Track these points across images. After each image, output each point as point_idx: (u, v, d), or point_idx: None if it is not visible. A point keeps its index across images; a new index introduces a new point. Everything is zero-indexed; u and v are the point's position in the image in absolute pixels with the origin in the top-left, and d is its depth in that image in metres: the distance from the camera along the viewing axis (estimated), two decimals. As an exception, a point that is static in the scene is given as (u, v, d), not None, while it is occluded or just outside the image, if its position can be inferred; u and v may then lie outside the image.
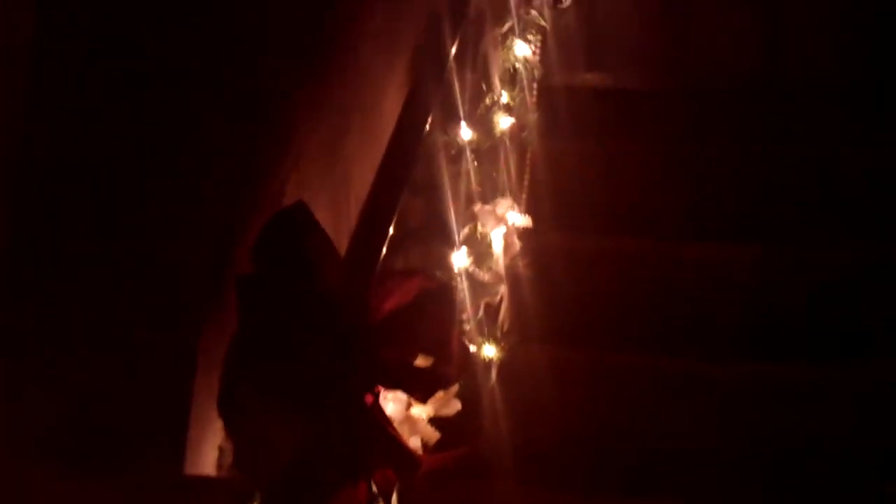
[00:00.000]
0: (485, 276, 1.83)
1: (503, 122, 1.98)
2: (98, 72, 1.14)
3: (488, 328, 1.88)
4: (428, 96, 1.81)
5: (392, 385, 1.30)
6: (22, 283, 1.11)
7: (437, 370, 1.24)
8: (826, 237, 2.48)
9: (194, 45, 1.24)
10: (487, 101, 1.98)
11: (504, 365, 1.92)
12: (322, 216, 1.60)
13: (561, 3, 2.42)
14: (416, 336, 1.25)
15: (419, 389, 1.33)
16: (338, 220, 1.68)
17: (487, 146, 1.93)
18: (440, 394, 1.51)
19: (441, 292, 1.38)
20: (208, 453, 1.36)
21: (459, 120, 1.88)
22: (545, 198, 2.30)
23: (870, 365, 2.20)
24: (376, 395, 1.21)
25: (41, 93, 1.03)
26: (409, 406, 1.52)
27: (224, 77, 1.27)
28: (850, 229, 2.50)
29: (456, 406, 1.55)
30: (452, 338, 1.25)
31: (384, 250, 1.60)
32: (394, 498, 1.23)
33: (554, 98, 2.53)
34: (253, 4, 1.34)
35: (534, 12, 2.14)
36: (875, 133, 2.72)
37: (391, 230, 1.64)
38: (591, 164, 2.59)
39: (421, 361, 1.24)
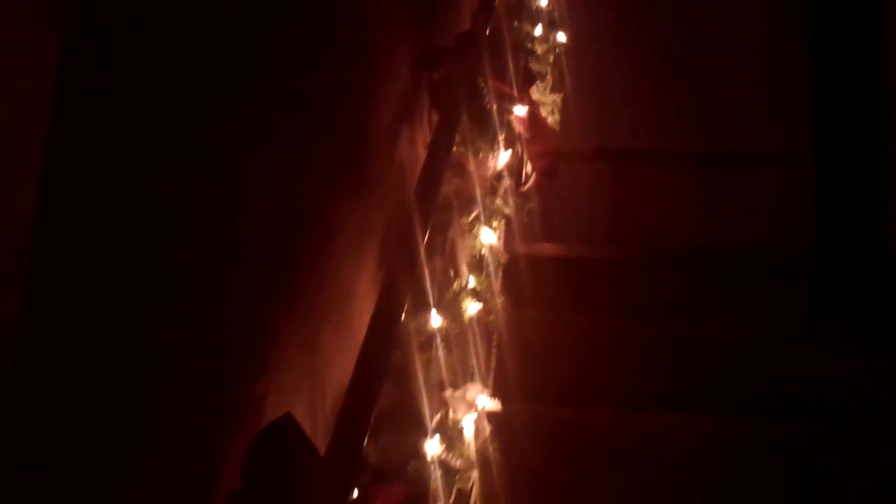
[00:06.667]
0: (457, 463, 1.86)
1: (471, 307, 2.05)
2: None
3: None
4: (401, 286, 1.88)
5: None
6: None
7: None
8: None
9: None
10: (455, 286, 2.06)
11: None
12: (300, 415, 1.64)
13: (523, 186, 2.56)
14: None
15: None
16: (314, 417, 1.71)
17: (456, 332, 1.99)
18: None
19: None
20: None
21: (429, 307, 1.95)
22: (511, 371, 2.36)
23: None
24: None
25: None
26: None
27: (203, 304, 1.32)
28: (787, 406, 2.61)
29: None
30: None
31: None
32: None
33: (517, 266, 2.63)
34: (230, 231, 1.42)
35: (499, 201, 2.26)
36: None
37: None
38: (550, 332, 2.68)
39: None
